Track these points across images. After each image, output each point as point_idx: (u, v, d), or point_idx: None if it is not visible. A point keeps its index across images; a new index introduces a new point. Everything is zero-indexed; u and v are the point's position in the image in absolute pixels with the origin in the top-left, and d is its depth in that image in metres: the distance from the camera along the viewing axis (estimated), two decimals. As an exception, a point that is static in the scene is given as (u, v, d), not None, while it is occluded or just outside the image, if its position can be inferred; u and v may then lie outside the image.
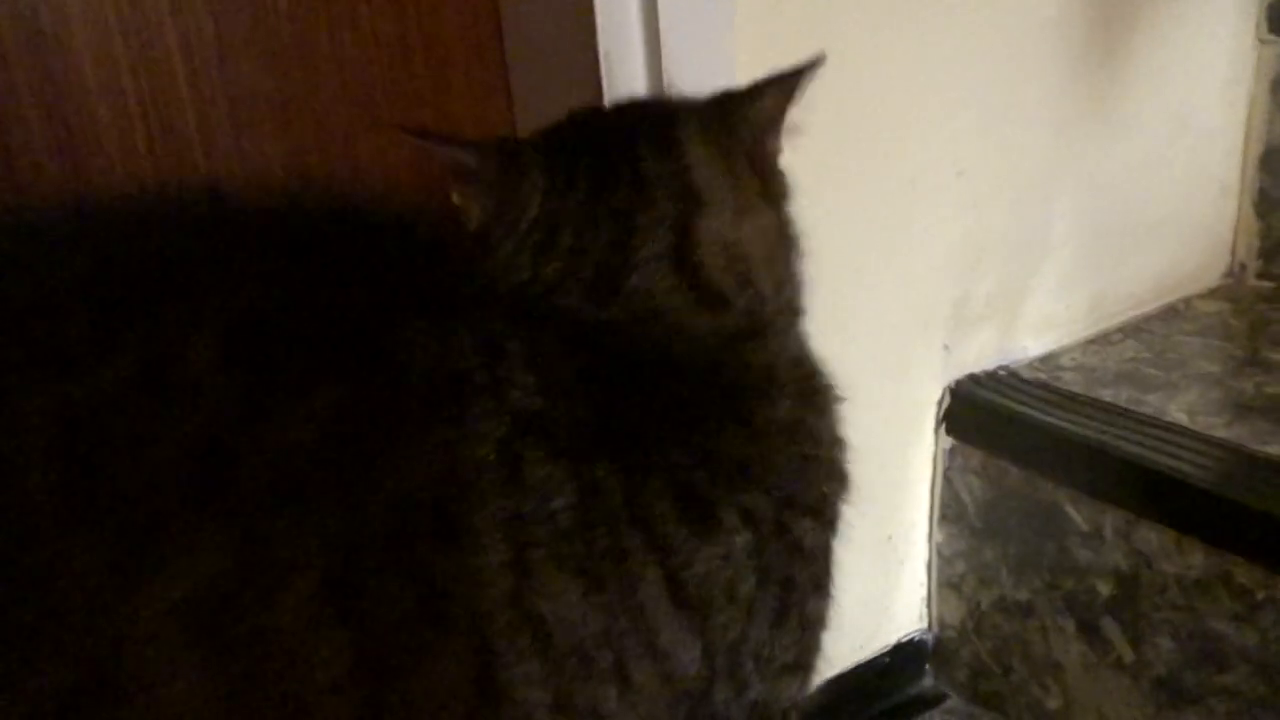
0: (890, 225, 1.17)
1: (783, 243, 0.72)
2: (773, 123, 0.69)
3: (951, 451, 1.28)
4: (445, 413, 0.57)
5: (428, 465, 0.56)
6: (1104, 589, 1.12)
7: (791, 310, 0.73)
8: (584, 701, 0.59)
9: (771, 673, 0.67)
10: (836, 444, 0.72)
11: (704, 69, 0.95)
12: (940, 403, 1.28)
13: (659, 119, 0.68)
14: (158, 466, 0.52)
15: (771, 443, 0.67)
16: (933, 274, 1.24)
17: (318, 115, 1.02)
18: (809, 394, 0.71)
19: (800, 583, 0.68)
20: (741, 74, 0.99)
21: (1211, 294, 1.53)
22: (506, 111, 1.11)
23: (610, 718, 0.60)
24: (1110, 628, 1.13)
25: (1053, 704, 1.23)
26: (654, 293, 0.64)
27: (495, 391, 0.58)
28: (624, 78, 0.94)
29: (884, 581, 1.34)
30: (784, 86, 0.69)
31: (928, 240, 1.21)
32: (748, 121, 0.68)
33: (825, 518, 0.70)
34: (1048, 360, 1.34)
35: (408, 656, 0.55)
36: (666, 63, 0.92)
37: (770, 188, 0.70)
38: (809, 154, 1.09)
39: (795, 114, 0.71)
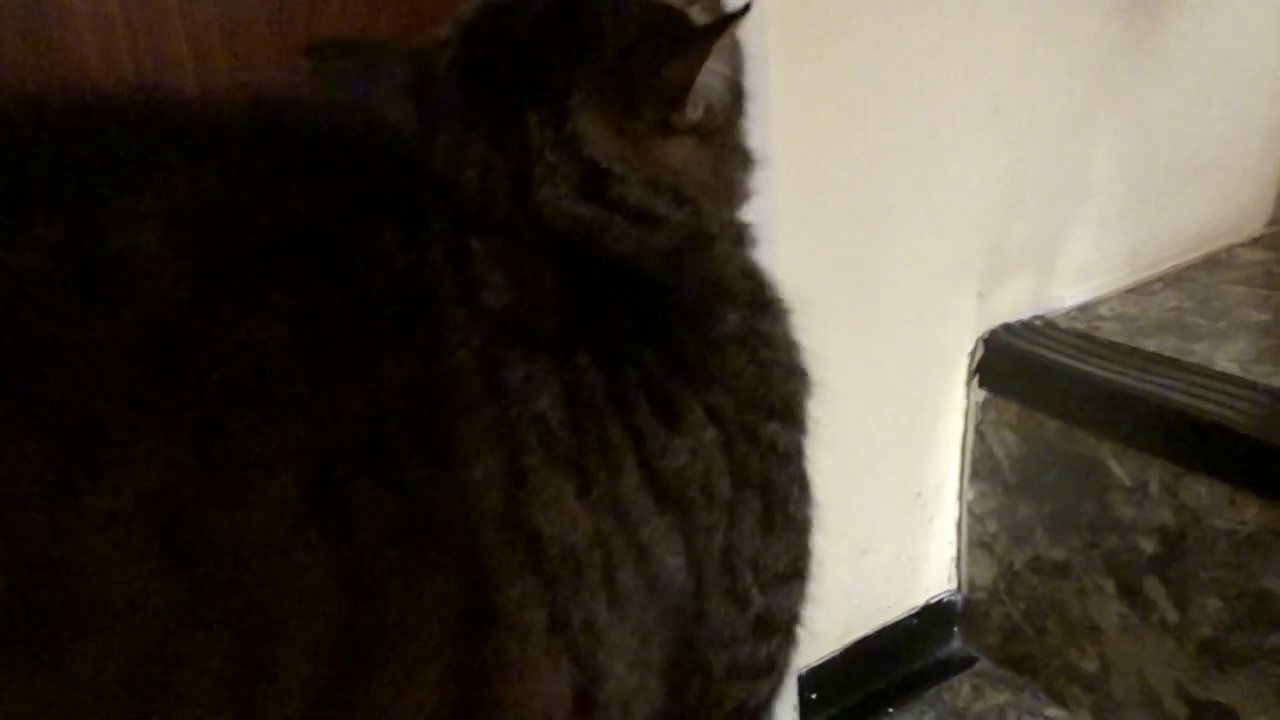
0: (925, 165, 1.11)
1: (718, 165, 0.67)
2: (684, 86, 0.62)
3: (984, 404, 1.22)
4: (418, 320, 0.55)
5: (405, 375, 0.53)
6: (1147, 546, 1.07)
7: (737, 226, 0.70)
8: (578, 617, 0.57)
9: (768, 582, 0.65)
10: (793, 347, 0.69)
11: None
12: (973, 353, 1.23)
13: (555, 93, 0.61)
14: (95, 356, 0.47)
15: (726, 348, 0.65)
16: (967, 217, 1.17)
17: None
18: (761, 304, 0.69)
19: (780, 484, 0.66)
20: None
21: (1255, 242, 1.46)
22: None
23: (603, 632, 0.58)
24: (1154, 587, 1.07)
25: (1089, 667, 1.18)
26: (569, 214, 0.60)
27: (466, 296, 0.56)
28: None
29: (912, 541, 1.29)
30: (699, 50, 0.61)
31: (963, 181, 1.15)
32: (653, 90, 0.62)
33: (794, 418, 0.68)
34: (1085, 310, 1.28)
35: (393, 577, 0.52)
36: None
37: (683, 124, 0.64)
38: (841, 91, 1.03)
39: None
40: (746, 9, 0.60)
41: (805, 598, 0.70)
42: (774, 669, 0.69)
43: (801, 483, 0.68)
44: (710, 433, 0.62)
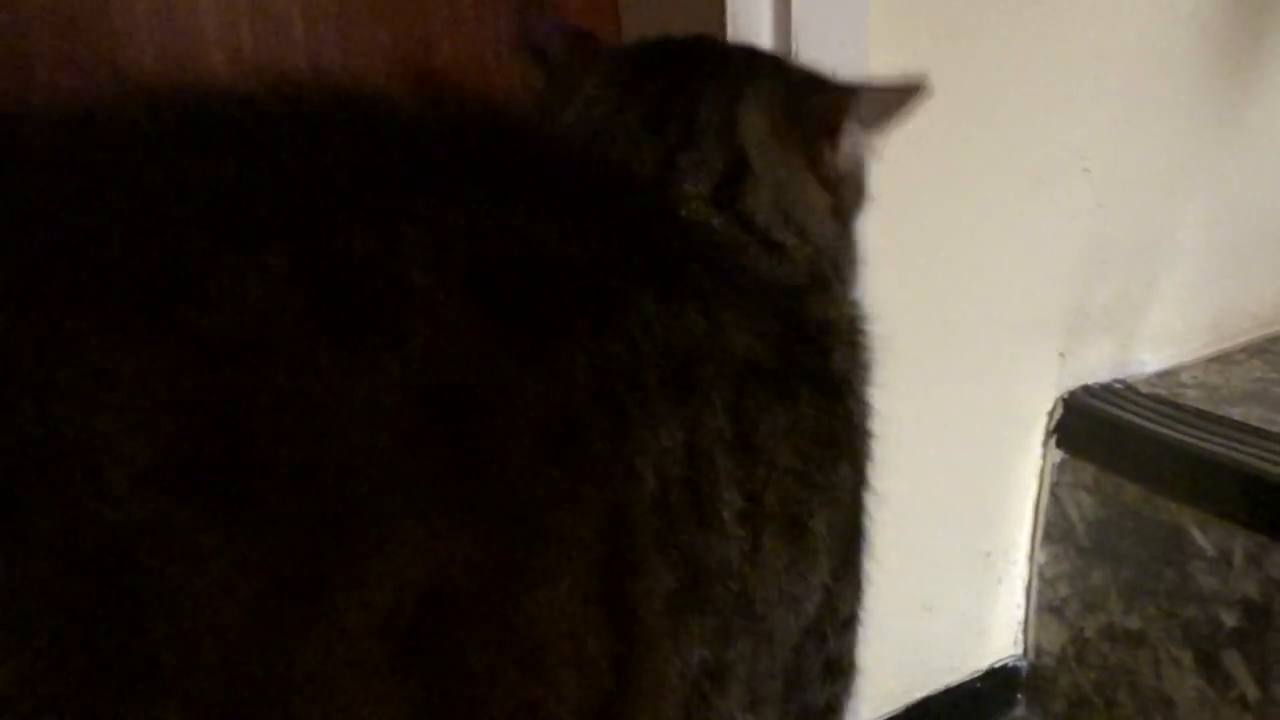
0: (1012, 220, 1.11)
1: (839, 239, 0.70)
2: (842, 112, 0.66)
3: (1061, 465, 1.21)
4: (688, 382, 0.49)
5: (673, 440, 0.47)
6: (1229, 619, 1.04)
7: (846, 284, 0.72)
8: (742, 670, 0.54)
9: (839, 624, 0.65)
10: (870, 406, 0.69)
11: (833, 37, 0.90)
12: (1051, 413, 1.21)
13: (733, 80, 0.65)
14: (349, 417, 0.37)
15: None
16: (1052, 276, 1.17)
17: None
18: (857, 350, 0.68)
19: (862, 529, 0.65)
20: (874, 56, 0.94)
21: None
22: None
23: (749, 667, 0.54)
24: (1234, 662, 1.04)
25: (1161, 742, 1.14)
26: (709, 227, 0.60)
27: (718, 347, 0.52)
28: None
29: (979, 601, 1.27)
30: (865, 92, 0.66)
31: (1049, 240, 1.15)
32: (809, 118, 0.65)
33: (861, 465, 0.66)
34: (1166, 376, 1.26)
35: (656, 654, 0.47)
36: (795, 25, 0.88)
37: (823, 174, 0.67)
38: (937, 143, 1.04)
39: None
40: (918, 89, 0.65)
41: (859, 644, 0.69)
42: (833, 713, 0.68)
43: (866, 533, 0.68)
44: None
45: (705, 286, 0.53)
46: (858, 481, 0.64)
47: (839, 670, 0.67)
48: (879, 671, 0.71)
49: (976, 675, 1.27)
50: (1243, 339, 1.36)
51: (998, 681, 1.29)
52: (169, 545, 0.35)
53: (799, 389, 0.56)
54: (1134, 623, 1.15)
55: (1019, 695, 1.31)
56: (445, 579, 0.39)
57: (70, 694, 0.34)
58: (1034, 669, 1.29)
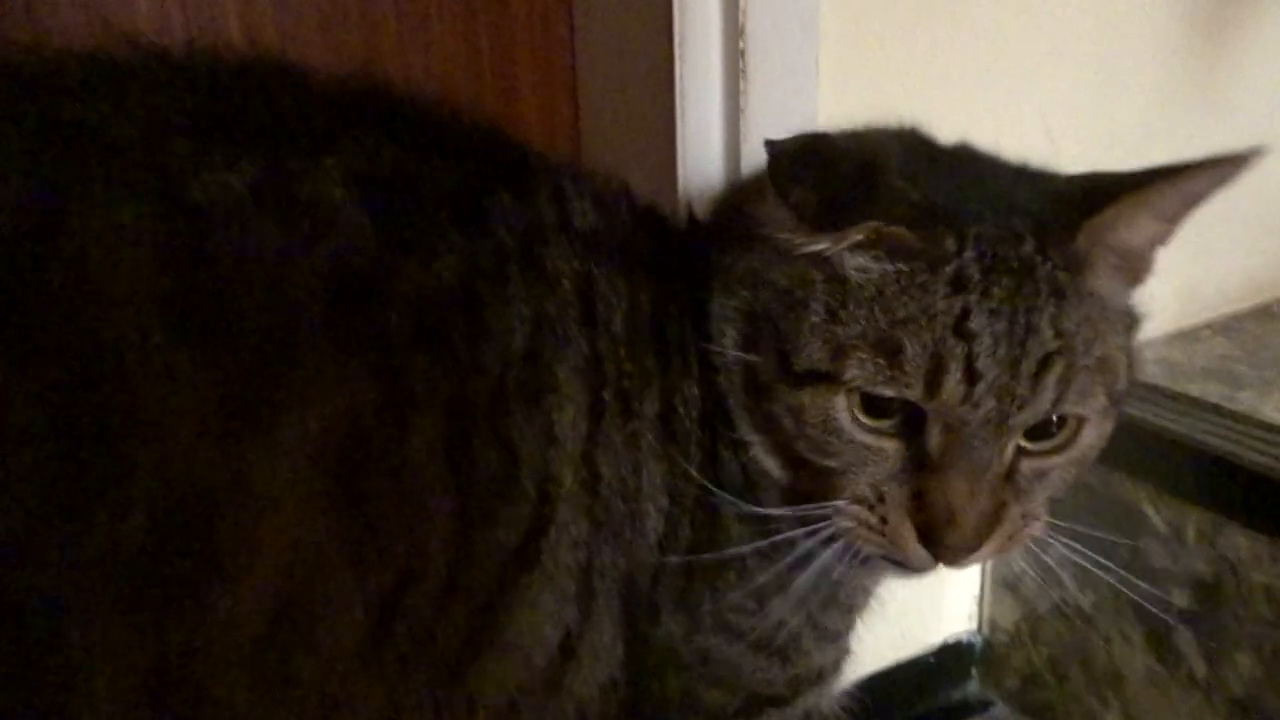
0: (971, 188, 1.09)
1: None
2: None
3: (1018, 440, 1.19)
4: (536, 259, 0.60)
5: (530, 320, 0.58)
6: (1179, 598, 1.03)
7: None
8: (599, 564, 0.62)
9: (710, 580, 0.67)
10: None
11: (786, 43, 0.87)
12: (1009, 387, 1.19)
13: (1060, 213, 0.60)
14: (290, 284, 0.51)
15: None
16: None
17: (368, 23, 0.95)
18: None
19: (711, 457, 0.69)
20: (824, 53, 0.92)
21: (1307, 294, 1.42)
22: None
23: (607, 580, 0.62)
24: (1184, 640, 1.03)
25: (1110, 718, 1.13)
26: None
27: (563, 223, 0.62)
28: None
29: (933, 578, 1.25)
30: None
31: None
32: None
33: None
34: (1128, 351, 1.24)
35: (484, 525, 0.57)
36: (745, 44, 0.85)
37: None
38: (889, 105, 1.01)
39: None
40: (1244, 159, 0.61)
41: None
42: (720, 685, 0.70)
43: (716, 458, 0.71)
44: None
45: (553, 184, 0.63)
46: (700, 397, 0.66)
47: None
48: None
49: (930, 650, 1.27)
50: (1207, 315, 1.34)
51: (952, 657, 1.28)
52: (149, 360, 0.48)
53: (637, 270, 0.64)
54: (1088, 599, 1.13)
55: (973, 670, 1.30)
56: (357, 416, 0.52)
57: (46, 494, 0.47)
58: (988, 644, 1.28)
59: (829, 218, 0.55)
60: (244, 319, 0.50)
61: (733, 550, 0.64)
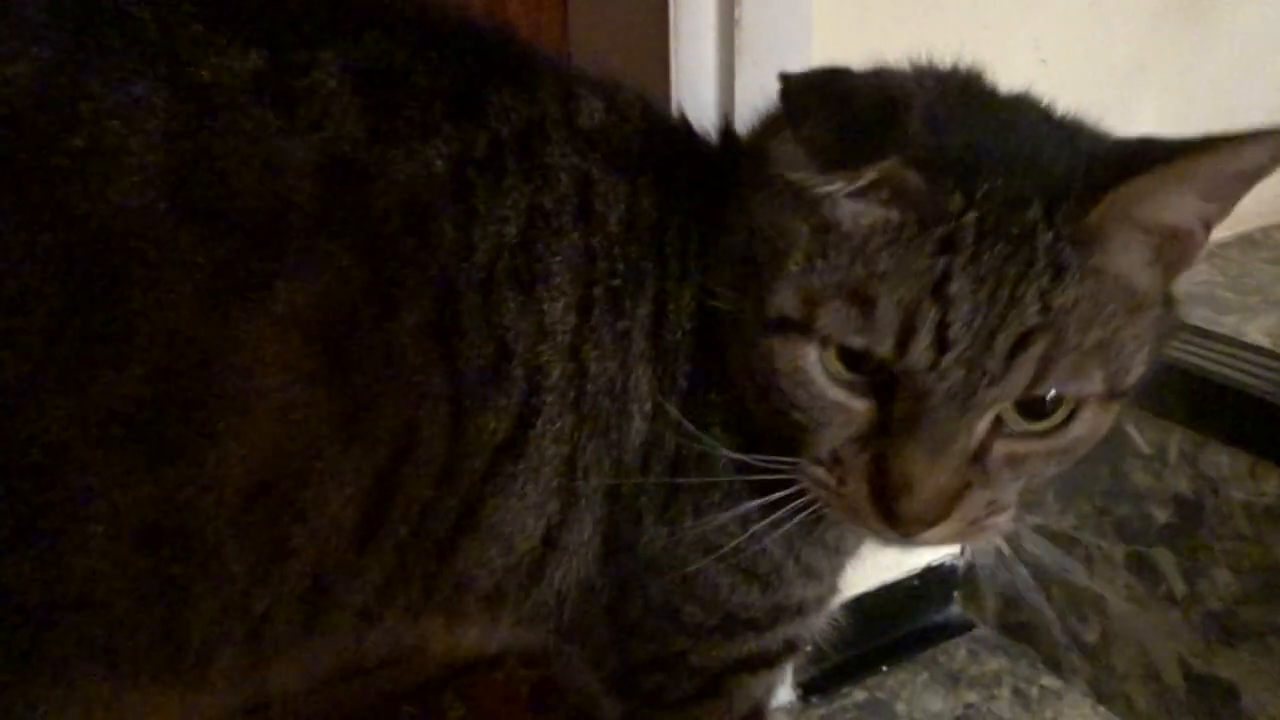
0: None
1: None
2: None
3: (1004, 366, 1.20)
4: (534, 153, 0.61)
5: (525, 209, 0.60)
6: (1161, 516, 1.05)
7: None
8: (583, 461, 0.63)
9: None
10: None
11: None
12: (997, 313, 1.20)
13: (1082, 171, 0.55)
14: (284, 166, 0.54)
15: None
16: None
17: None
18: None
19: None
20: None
21: (1292, 225, 1.43)
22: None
23: (592, 479, 0.64)
24: (1164, 558, 1.06)
25: (1090, 638, 1.16)
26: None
27: (567, 118, 0.63)
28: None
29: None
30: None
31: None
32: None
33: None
34: (1114, 278, 1.25)
35: (476, 411, 0.59)
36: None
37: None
38: (881, 32, 1.01)
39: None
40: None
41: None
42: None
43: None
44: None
45: (563, 86, 0.64)
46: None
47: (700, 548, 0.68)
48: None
49: (914, 574, 1.28)
50: (1223, 228, 1.35)
51: (934, 580, 1.31)
52: (152, 228, 0.51)
53: (642, 175, 0.64)
54: (1069, 521, 1.15)
55: (954, 593, 1.32)
56: (345, 293, 0.55)
57: (53, 346, 0.51)
58: (970, 567, 1.31)
59: (843, 155, 0.52)
60: (240, 196, 0.53)
61: (718, 477, 0.65)
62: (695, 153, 0.69)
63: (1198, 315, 1.13)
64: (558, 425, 0.62)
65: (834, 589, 0.80)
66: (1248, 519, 0.96)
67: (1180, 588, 1.05)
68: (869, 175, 0.52)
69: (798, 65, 0.89)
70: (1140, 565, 1.08)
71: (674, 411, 0.64)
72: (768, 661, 0.77)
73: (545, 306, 0.60)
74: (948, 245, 0.53)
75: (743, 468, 0.63)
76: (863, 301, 0.54)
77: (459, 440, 0.60)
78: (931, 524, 0.56)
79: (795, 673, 1.19)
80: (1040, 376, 0.54)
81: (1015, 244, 0.53)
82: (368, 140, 0.56)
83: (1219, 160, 0.52)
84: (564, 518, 0.65)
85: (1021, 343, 0.53)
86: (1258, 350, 1.03)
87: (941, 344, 0.53)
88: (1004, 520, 0.61)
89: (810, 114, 0.52)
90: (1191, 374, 1.00)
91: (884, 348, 0.54)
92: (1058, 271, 0.53)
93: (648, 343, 0.64)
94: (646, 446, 0.65)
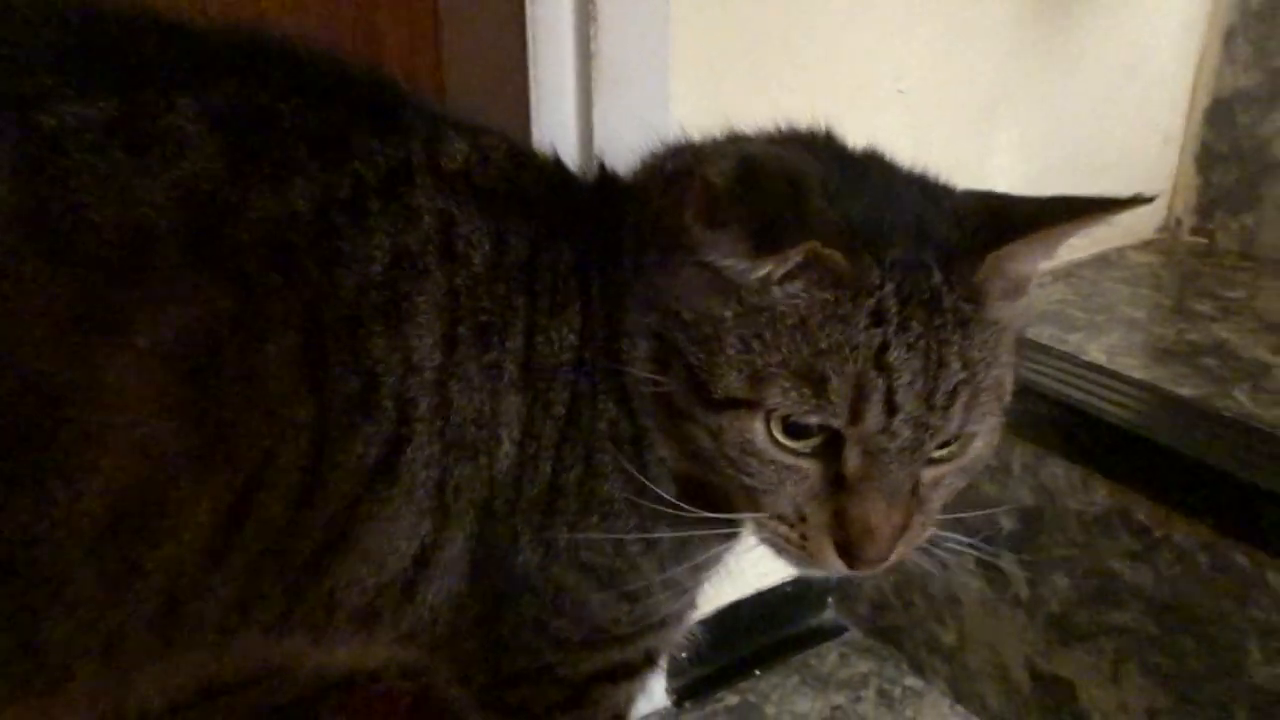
0: (823, 139, 1.13)
1: None
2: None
3: (869, 381, 1.25)
4: (398, 196, 0.63)
5: (389, 249, 0.62)
6: (1007, 524, 1.11)
7: None
8: (452, 484, 0.66)
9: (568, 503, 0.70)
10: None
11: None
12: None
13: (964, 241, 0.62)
14: (141, 205, 0.56)
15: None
16: (864, 195, 1.19)
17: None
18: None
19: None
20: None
21: (1145, 246, 1.51)
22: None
23: (462, 499, 0.67)
24: (1010, 563, 1.12)
25: (948, 639, 1.22)
26: None
27: (432, 163, 0.65)
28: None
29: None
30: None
31: (861, 159, 1.17)
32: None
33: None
34: (975, 296, 1.31)
35: (344, 440, 0.62)
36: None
37: None
38: (743, 58, 1.05)
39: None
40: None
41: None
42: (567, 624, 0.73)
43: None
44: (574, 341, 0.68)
45: (428, 128, 0.67)
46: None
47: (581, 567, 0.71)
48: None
49: (787, 580, 1.33)
50: (1050, 264, 1.42)
51: (809, 586, 1.35)
52: (6, 263, 0.53)
53: (510, 214, 0.67)
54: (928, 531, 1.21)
55: (829, 599, 1.37)
56: (212, 325, 0.57)
57: None
58: (843, 575, 1.35)
59: (767, 240, 0.56)
60: (97, 232, 0.55)
61: (603, 498, 0.68)
62: (568, 192, 0.72)
63: (1046, 333, 1.20)
64: (427, 452, 0.64)
65: (693, 604, 0.84)
66: (1080, 527, 1.03)
67: (1025, 592, 1.11)
68: (795, 258, 0.57)
69: (656, 91, 0.93)
70: (990, 571, 1.14)
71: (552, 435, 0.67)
72: (629, 672, 0.81)
73: (413, 343, 0.63)
74: (878, 317, 0.58)
75: (670, 517, 0.67)
76: (814, 379, 0.58)
77: (321, 466, 0.62)
78: (887, 559, 0.63)
79: (670, 679, 1.23)
80: (965, 421, 0.61)
81: (928, 308, 0.59)
82: (229, 178, 0.58)
83: (1075, 228, 0.61)
84: (436, 537, 0.67)
85: (952, 395, 0.60)
86: (1092, 368, 1.10)
87: (891, 408, 0.58)
88: (931, 530, 0.70)
89: (731, 206, 0.57)
90: (1031, 390, 1.06)
91: (839, 420, 0.59)
92: (964, 328, 0.60)
93: (519, 372, 0.66)
94: (518, 469, 0.68)
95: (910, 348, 0.58)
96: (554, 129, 0.92)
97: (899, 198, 0.64)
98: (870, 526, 0.61)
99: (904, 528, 0.63)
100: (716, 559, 0.77)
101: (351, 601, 0.68)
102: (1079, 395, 1.04)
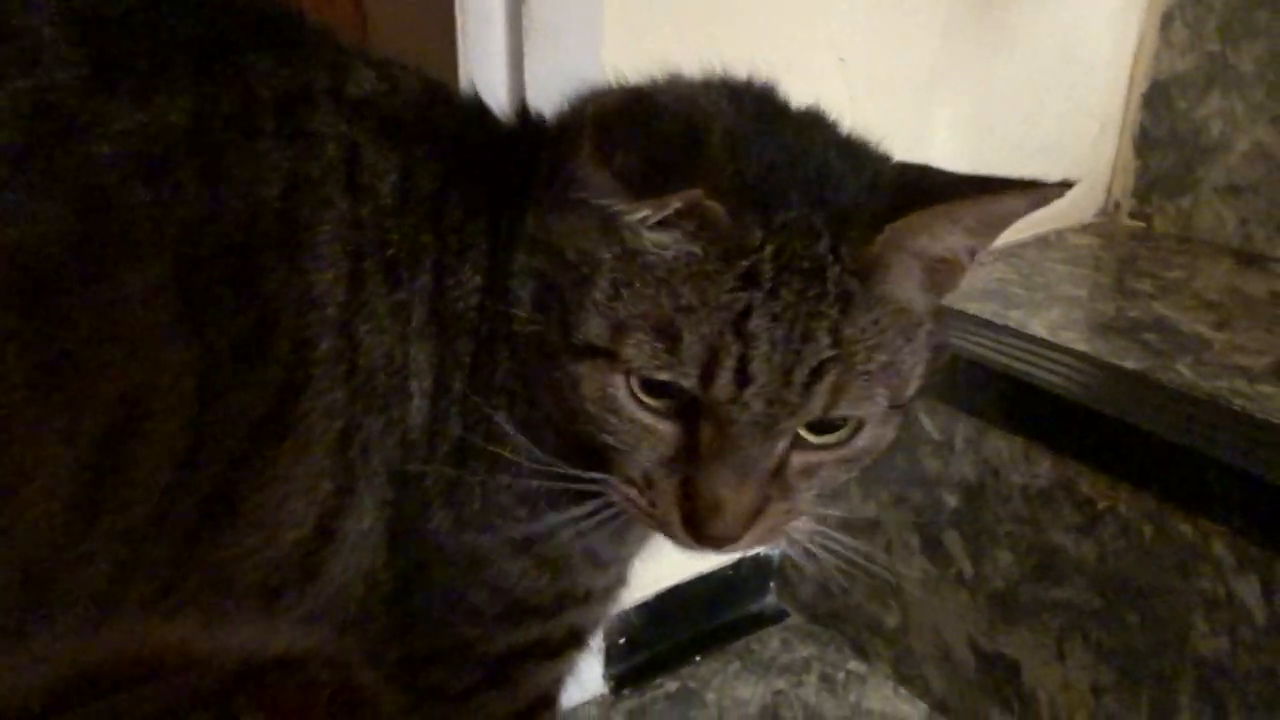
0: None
1: None
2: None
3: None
4: (296, 118, 0.59)
5: (284, 174, 0.57)
6: (951, 500, 1.09)
7: None
8: (359, 438, 0.61)
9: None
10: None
11: None
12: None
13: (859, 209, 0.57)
14: None
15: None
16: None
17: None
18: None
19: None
20: None
21: (1084, 229, 1.51)
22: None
23: (370, 459, 0.62)
24: (953, 541, 1.10)
25: (891, 622, 1.20)
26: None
27: (335, 88, 0.61)
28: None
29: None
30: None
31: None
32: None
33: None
34: (916, 275, 1.30)
35: (234, 387, 0.57)
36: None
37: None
38: (675, 27, 1.01)
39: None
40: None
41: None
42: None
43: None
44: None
45: (333, 56, 0.63)
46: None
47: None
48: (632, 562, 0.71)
49: (729, 564, 1.30)
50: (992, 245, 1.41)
51: (751, 570, 1.32)
52: None
53: (417, 148, 0.63)
54: (870, 510, 1.19)
55: (770, 583, 1.35)
56: (48, 245, 0.52)
57: None
58: (785, 558, 1.33)
59: (650, 183, 0.52)
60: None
61: (508, 457, 0.63)
62: (485, 130, 0.68)
63: (989, 310, 1.18)
64: (328, 399, 0.59)
65: (621, 580, 0.80)
66: (1024, 501, 1.01)
67: (968, 569, 1.09)
68: (674, 204, 0.53)
69: (588, 42, 0.89)
70: (934, 549, 1.12)
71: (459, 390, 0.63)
72: (552, 651, 0.77)
73: (312, 278, 0.58)
74: (749, 280, 0.54)
75: (542, 469, 0.62)
76: (668, 335, 0.55)
77: (205, 417, 0.56)
78: (736, 539, 0.58)
79: (606, 665, 1.19)
80: (833, 402, 0.56)
81: (807, 278, 0.55)
82: (89, 86, 0.53)
83: (981, 206, 0.56)
84: (340, 503, 0.62)
85: (816, 373, 0.55)
86: (1036, 341, 1.08)
87: (743, 378, 0.55)
88: (801, 524, 0.65)
89: (619, 142, 0.52)
90: (975, 364, 1.05)
91: (688, 381, 0.55)
92: (846, 303, 0.56)
93: (427, 317, 0.62)
94: (430, 425, 0.63)
95: (776, 318, 0.54)
96: (484, 85, 0.87)
97: (813, 159, 0.59)
98: (717, 501, 0.57)
99: (757, 510, 0.58)
100: (635, 535, 0.73)
101: (245, 577, 0.62)
102: (1021, 367, 1.02)
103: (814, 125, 0.65)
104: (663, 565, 1.23)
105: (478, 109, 0.68)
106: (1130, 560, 0.93)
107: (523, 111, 0.69)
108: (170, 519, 0.58)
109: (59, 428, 0.53)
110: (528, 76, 0.87)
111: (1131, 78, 1.49)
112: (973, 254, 0.60)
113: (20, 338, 0.51)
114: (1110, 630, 0.97)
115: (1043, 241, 1.45)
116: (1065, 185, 0.56)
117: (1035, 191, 0.56)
